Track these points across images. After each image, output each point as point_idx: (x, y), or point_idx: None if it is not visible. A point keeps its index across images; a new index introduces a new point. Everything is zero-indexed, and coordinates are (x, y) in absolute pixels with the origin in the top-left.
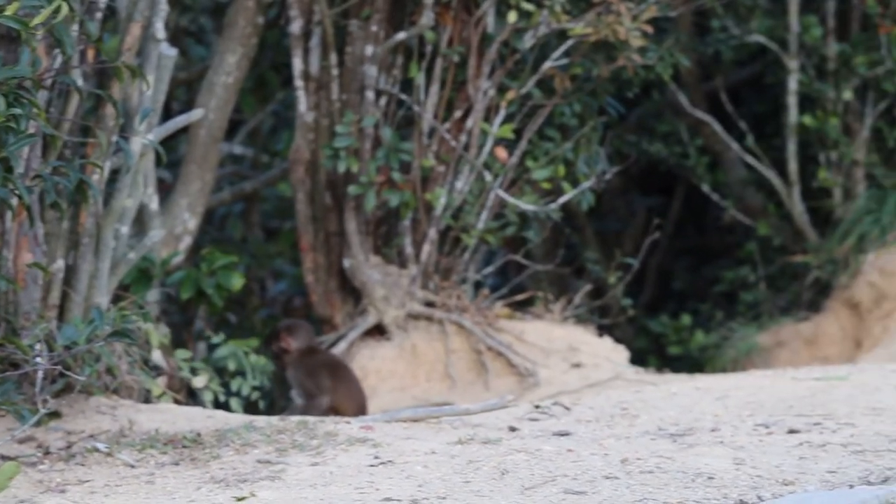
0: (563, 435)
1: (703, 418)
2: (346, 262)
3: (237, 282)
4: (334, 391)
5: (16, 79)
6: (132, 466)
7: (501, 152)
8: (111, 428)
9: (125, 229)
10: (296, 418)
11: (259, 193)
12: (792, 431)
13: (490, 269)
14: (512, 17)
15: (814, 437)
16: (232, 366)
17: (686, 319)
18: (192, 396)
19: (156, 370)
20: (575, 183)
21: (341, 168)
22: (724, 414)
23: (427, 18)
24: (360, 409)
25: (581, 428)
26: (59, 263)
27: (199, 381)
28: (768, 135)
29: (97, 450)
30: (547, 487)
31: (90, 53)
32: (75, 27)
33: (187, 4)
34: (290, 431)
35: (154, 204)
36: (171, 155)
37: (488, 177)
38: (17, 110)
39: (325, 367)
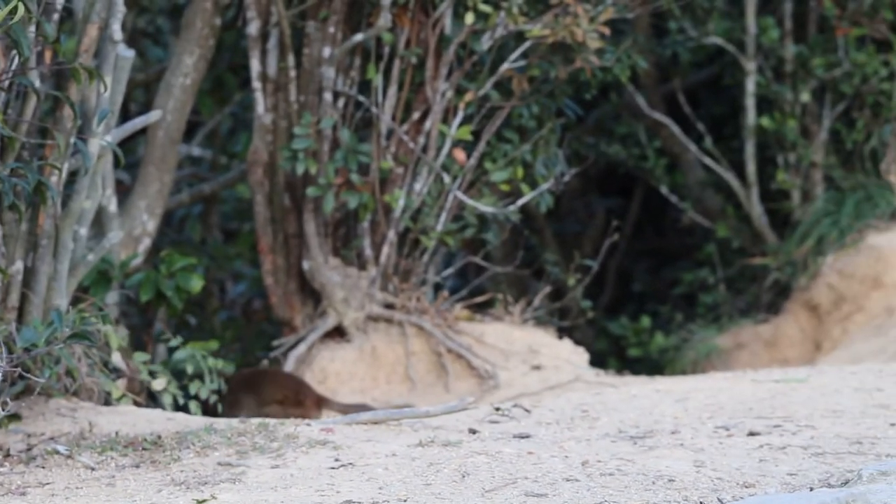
0: (523, 437)
1: (663, 420)
2: (306, 264)
3: (196, 284)
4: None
5: None
6: (92, 469)
7: (460, 154)
8: (71, 430)
9: (84, 231)
10: (256, 420)
11: (218, 195)
12: (752, 434)
13: (449, 270)
14: (469, 18)
15: (774, 439)
16: (190, 369)
17: (645, 321)
18: (152, 399)
19: (115, 372)
20: (533, 185)
21: (300, 170)
22: (684, 416)
23: (384, 20)
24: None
25: (541, 430)
26: (18, 265)
27: (157, 384)
28: (726, 136)
29: (57, 452)
30: (507, 490)
31: (47, 55)
32: (32, 28)
33: (144, 6)
34: (250, 434)
35: (112, 206)
36: (129, 157)
37: (447, 179)
38: None
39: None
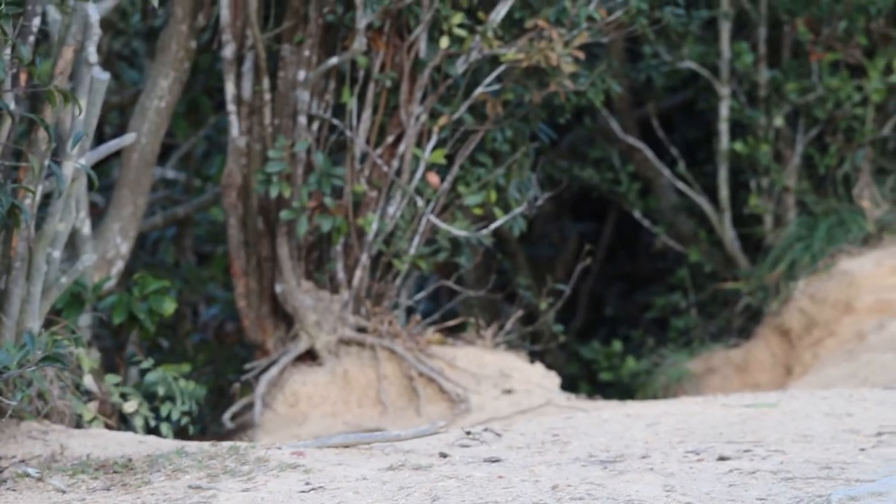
0: (493, 461)
1: (633, 445)
2: (279, 288)
3: (169, 306)
4: None
5: None
6: (63, 492)
7: (433, 178)
8: (42, 453)
9: (57, 254)
10: (227, 444)
11: (191, 218)
12: (722, 458)
13: (422, 294)
14: (444, 42)
15: (744, 463)
16: (162, 391)
17: (617, 346)
18: (123, 421)
19: (87, 395)
20: (507, 209)
21: (273, 193)
22: (654, 441)
23: (359, 43)
24: None
25: (512, 454)
26: None
27: (129, 407)
28: (700, 161)
29: (28, 475)
30: None
31: (23, 77)
32: (7, 51)
33: (120, 28)
34: (221, 457)
35: (86, 228)
36: (103, 179)
37: (420, 202)
38: None
39: None
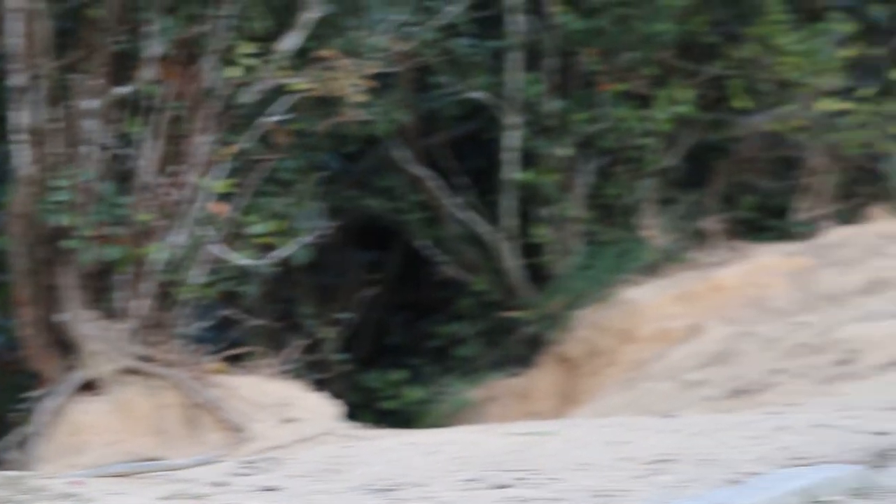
0: (271, 490)
1: (412, 473)
2: (62, 317)
3: None
4: None
5: None
6: None
7: (220, 207)
8: None
9: None
10: (3, 473)
11: None
12: (500, 486)
13: (206, 323)
14: (233, 71)
15: (521, 491)
16: None
17: (399, 374)
18: None
19: None
20: (293, 237)
21: (59, 222)
22: (433, 469)
23: (149, 73)
24: None
25: (290, 483)
26: None
27: None
28: (487, 190)
29: None
30: None
31: None
32: None
33: None
34: None
35: None
36: None
37: (206, 232)
38: None
39: None
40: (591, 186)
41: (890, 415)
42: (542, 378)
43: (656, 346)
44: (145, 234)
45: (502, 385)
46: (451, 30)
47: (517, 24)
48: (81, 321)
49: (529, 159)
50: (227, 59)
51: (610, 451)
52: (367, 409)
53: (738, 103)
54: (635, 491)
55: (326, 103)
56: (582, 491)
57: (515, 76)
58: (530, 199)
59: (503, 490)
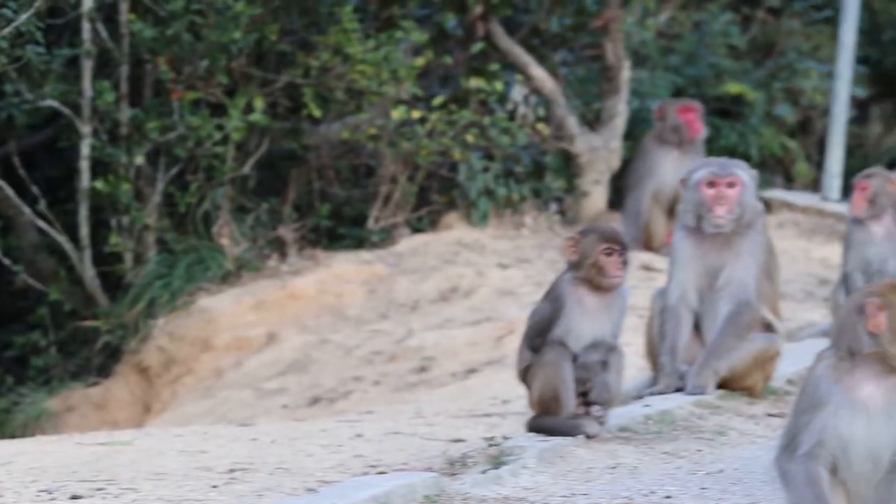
0: None
1: None
2: None
3: None
4: None
5: None
6: None
7: None
8: None
9: None
10: None
11: None
12: (75, 497)
13: None
14: None
15: (96, 502)
16: None
17: None
18: None
19: None
20: None
21: None
22: (7, 480)
23: None
24: None
25: None
26: None
27: None
28: (62, 199)
29: None
30: None
31: None
32: None
33: None
34: None
35: None
36: None
37: None
38: None
39: None
40: (166, 195)
41: (464, 422)
42: (120, 388)
43: (234, 354)
44: None
45: (80, 395)
46: (22, 37)
47: (90, 32)
48: None
49: (105, 168)
50: None
51: (186, 460)
52: None
53: (311, 111)
54: (211, 501)
55: None
56: (157, 501)
57: (88, 84)
58: (105, 207)
59: (77, 501)
